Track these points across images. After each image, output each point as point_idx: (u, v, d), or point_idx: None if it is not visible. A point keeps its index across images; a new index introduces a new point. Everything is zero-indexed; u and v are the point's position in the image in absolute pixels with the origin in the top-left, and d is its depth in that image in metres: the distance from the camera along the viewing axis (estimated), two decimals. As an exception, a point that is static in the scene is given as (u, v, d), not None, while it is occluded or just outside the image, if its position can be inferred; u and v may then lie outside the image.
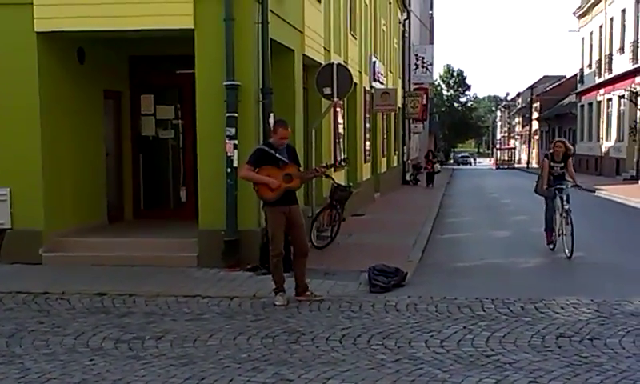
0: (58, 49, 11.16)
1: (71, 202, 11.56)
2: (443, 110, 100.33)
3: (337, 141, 16.74)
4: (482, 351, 6.44)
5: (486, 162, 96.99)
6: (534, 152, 75.10)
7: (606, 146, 40.37)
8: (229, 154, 10.21)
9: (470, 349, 6.52)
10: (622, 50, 37.62)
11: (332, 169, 11.79)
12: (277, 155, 8.45)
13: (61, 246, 11.04)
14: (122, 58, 13.23)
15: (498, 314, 7.77)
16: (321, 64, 14.37)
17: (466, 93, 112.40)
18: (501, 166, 72.35)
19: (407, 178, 34.51)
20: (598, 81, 41.93)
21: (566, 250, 11.77)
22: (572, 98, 53.59)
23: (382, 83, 25.75)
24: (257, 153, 8.58)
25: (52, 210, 10.99)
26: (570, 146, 13.03)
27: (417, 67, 43.37)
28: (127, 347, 6.68)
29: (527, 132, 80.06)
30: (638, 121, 33.61)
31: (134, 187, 13.64)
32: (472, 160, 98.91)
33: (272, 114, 10.71)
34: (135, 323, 7.55)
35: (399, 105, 32.23)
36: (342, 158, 13.70)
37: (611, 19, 40.23)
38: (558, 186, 12.24)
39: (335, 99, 13.56)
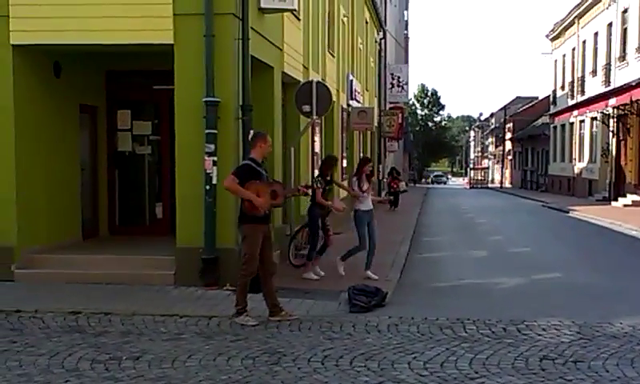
0: (33, 62, 10.97)
1: (45, 217, 11.31)
2: (417, 129, 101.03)
3: (313, 159, 16.65)
4: (465, 373, 6.36)
5: (460, 182, 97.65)
6: (508, 172, 75.75)
7: (578, 166, 40.77)
8: (208, 171, 10.08)
9: (454, 371, 6.43)
10: (594, 72, 38.11)
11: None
12: (262, 171, 8.35)
13: (34, 263, 10.79)
14: (99, 72, 13.06)
15: (480, 335, 7.71)
16: (299, 81, 14.31)
17: (440, 112, 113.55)
18: (475, 186, 72.79)
19: (383, 196, 34.44)
20: (570, 103, 42.40)
21: None
22: (545, 118, 54.16)
23: (358, 101, 25.79)
24: (245, 168, 8.36)
25: (25, 225, 10.76)
26: None
27: (392, 86, 43.74)
28: (104, 368, 6.49)
29: (500, 152, 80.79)
30: (610, 142, 34.05)
31: (109, 203, 13.44)
32: (445, 179, 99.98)
33: (252, 131, 10.59)
34: (111, 343, 7.36)
35: (375, 123, 32.26)
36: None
37: (584, 42, 40.79)
38: None
39: (314, 117, 13.50)
